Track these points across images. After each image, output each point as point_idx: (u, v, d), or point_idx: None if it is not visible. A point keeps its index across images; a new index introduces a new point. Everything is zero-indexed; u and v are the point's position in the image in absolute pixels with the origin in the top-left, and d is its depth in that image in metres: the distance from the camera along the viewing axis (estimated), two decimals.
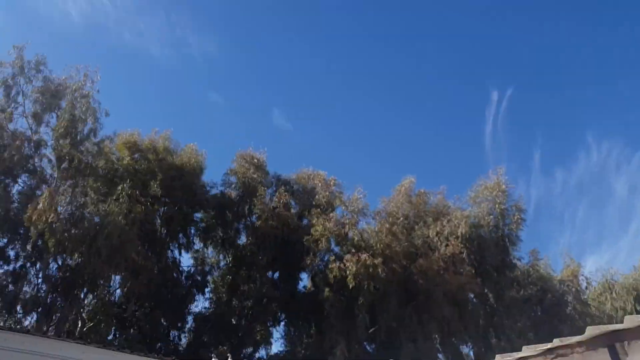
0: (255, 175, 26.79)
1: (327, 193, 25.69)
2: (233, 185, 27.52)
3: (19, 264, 22.29)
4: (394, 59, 62.38)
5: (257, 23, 63.38)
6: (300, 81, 64.52)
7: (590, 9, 54.93)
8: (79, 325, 21.51)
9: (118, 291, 24.31)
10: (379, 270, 20.66)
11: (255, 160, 27.46)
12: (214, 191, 27.45)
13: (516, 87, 60.70)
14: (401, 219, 25.29)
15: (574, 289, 27.09)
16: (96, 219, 20.75)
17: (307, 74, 64.06)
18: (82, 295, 22.12)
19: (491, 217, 25.87)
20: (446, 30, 60.74)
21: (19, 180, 22.94)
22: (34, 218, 18.38)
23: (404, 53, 61.88)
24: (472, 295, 24.79)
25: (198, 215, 27.47)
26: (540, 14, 58.03)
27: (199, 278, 27.23)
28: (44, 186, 22.02)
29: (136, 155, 25.30)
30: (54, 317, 21.33)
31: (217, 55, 61.53)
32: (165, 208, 26.12)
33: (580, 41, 55.82)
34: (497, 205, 25.88)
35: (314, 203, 25.41)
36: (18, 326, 20.76)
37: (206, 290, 27.17)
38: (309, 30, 63.76)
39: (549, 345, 5.69)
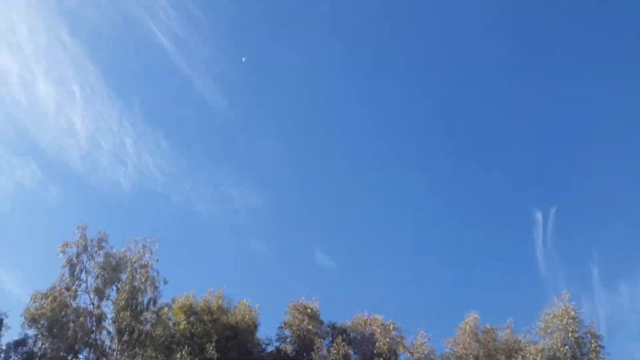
0: (310, 327, 26.14)
1: (388, 339, 24.62)
2: (288, 339, 26.75)
3: None
4: (432, 204, 63.65)
5: (293, 173, 66.82)
6: (340, 219, 65.60)
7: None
8: None
9: None
10: None
11: (309, 310, 26.95)
12: (269, 348, 26.69)
13: (559, 205, 60.09)
14: None
15: None
16: None
17: (345, 212, 65.42)
18: None
19: (566, 347, 24.13)
20: (482, 158, 62.80)
21: (80, 355, 22.92)
22: None
23: (442, 198, 63.31)
24: None
25: None
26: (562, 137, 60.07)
27: None
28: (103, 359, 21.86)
29: (192, 318, 25.21)
30: None
31: (259, 206, 64.00)
32: None
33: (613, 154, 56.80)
34: (570, 334, 24.27)
35: (375, 351, 24.28)
36: None
37: None
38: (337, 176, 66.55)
39: None
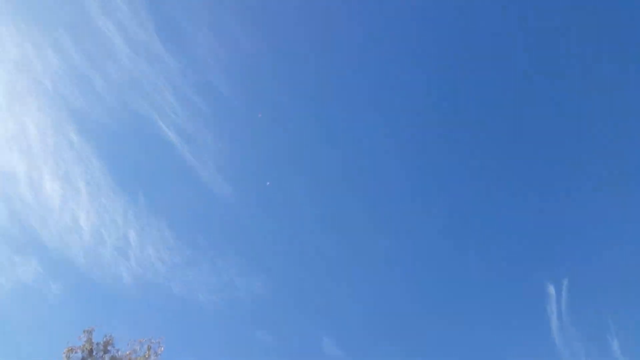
0: None
1: None
2: None
3: None
4: (441, 285, 63.23)
5: (298, 260, 66.81)
6: (347, 306, 64.56)
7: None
8: None
9: None
10: None
11: None
12: None
13: (571, 277, 59.56)
14: None
15: None
16: None
17: (352, 299, 64.54)
18: None
19: None
20: (490, 229, 63.06)
21: None
22: None
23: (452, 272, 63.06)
24: None
25: None
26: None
27: None
28: None
29: None
30: None
31: (264, 294, 63.38)
32: None
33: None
34: None
35: None
36: None
37: None
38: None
39: None
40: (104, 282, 56.59)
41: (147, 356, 23.34)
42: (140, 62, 57.13)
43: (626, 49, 53.91)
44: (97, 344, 23.30)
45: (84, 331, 23.32)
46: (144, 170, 63.31)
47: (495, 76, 60.33)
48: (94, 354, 23.03)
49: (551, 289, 57.33)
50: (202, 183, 61.63)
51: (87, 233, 56.10)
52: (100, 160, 58.19)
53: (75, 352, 22.87)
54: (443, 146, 64.59)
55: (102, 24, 54.74)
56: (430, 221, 64.92)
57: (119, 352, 23.56)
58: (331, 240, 65.28)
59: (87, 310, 57.44)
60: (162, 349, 23.65)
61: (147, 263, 59.24)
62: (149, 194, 61.67)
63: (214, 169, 61.92)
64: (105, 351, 23.28)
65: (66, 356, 22.80)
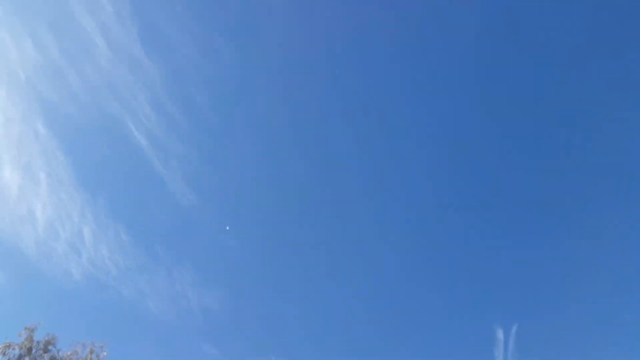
0: None
1: None
2: None
3: None
4: (388, 319, 63.81)
5: (254, 278, 66.26)
6: (296, 329, 64.22)
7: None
8: None
9: None
10: None
11: None
12: None
13: (521, 322, 61.04)
14: None
15: None
16: None
17: (302, 321, 64.20)
18: None
19: None
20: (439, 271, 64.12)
21: None
22: None
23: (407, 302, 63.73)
24: None
25: None
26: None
27: None
28: None
29: None
30: None
31: (215, 308, 62.41)
32: None
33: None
34: None
35: None
36: None
37: None
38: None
39: None
40: (53, 276, 54.80)
41: (88, 359, 22.73)
42: (119, 65, 56.74)
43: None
44: (38, 342, 22.58)
45: (25, 328, 22.57)
46: (108, 170, 62.12)
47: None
48: (32, 352, 22.29)
49: (500, 333, 58.69)
50: (167, 191, 60.87)
51: (41, 226, 54.42)
52: (65, 155, 56.91)
53: (13, 349, 22.08)
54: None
55: (85, 23, 54.24)
56: (385, 254, 65.93)
57: (60, 353, 22.87)
58: (289, 260, 65.29)
59: (32, 303, 55.30)
60: (105, 354, 23.14)
61: (100, 263, 57.71)
62: (110, 194, 60.41)
63: (180, 179, 61.33)
64: (46, 350, 22.56)
65: (2, 352, 21.99)
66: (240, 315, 63.76)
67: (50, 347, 22.69)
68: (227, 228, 58.44)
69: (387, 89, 61.69)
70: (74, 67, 55.92)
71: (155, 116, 58.47)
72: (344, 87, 63.12)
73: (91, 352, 23.07)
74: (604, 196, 59.84)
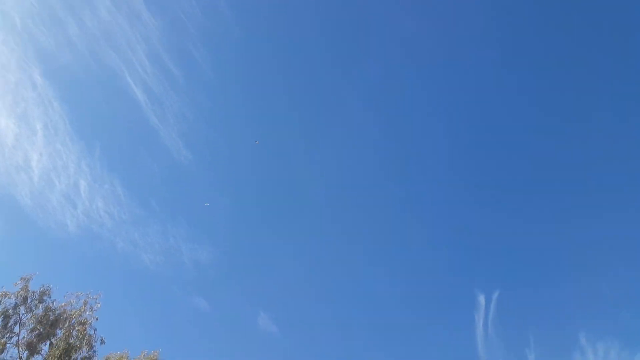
0: None
1: None
2: None
3: None
4: (373, 279, 65.14)
5: (246, 235, 67.16)
6: (288, 287, 65.78)
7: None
8: None
9: None
10: None
11: None
12: None
13: (502, 290, 62.79)
14: None
15: None
16: None
17: (292, 279, 65.74)
18: None
19: None
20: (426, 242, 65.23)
21: None
22: None
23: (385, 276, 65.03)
24: None
25: None
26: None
27: None
28: None
29: None
30: None
31: (207, 262, 63.63)
32: None
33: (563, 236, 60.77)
34: None
35: None
36: None
37: None
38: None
39: None
40: (47, 227, 55.50)
41: (82, 310, 23.48)
42: (119, 16, 55.50)
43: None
44: (33, 292, 23.23)
45: (21, 278, 23.18)
46: (105, 122, 61.95)
47: None
48: (28, 302, 22.98)
49: (482, 299, 60.37)
50: (163, 145, 60.92)
51: (37, 175, 54.65)
52: (62, 105, 56.44)
53: (9, 298, 22.75)
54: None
55: None
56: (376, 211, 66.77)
57: (54, 303, 23.58)
58: (280, 219, 66.15)
59: (25, 252, 56.36)
60: (99, 305, 23.86)
61: (95, 215, 58.32)
62: (106, 147, 60.45)
63: (176, 134, 61.19)
64: (41, 301, 23.24)
65: None
66: (231, 270, 65.09)
67: (45, 298, 23.37)
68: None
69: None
70: (72, 15, 54.63)
71: (153, 70, 57.69)
72: (348, 51, 62.22)
73: (85, 303, 23.78)
74: (586, 176, 60.77)
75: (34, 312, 23.02)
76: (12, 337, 22.60)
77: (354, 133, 64.73)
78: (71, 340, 22.34)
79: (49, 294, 23.51)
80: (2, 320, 22.51)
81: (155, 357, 26.50)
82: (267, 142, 63.01)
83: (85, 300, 23.87)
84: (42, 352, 22.90)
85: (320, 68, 63.63)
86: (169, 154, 61.56)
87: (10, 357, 22.64)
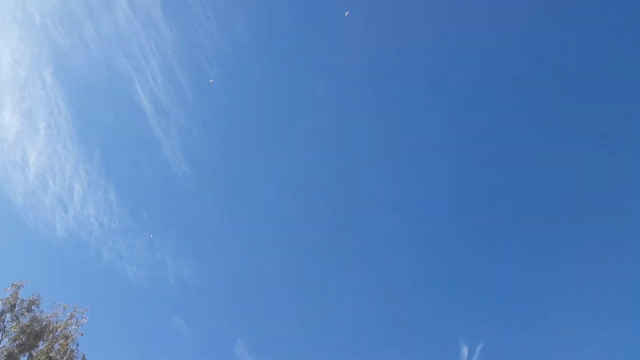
0: None
1: None
2: None
3: None
4: (357, 320, 64.92)
5: (234, 257, 66.86)
6: (269, 316, 65.21)
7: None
8: None
9: None
10: None
11: None
12: None
13: (487, 342, 62.75)
14: None
15: None
16: None
17: (273, 309, 65.26)
18: None
19: None
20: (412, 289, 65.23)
21: None
22: None
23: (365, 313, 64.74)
24: None
25: None
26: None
27: None
28: None
29: None
30: None
31: (192, 281, 63.06)
32: None
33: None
34: None
35: None
36: None
37: None
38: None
39: None
40: (36, 227, 54.96)
41: (67, 324, 23.20)
42: (136, 23, 56.23)
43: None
44: (22, 300, 22.99)
45: (12, 284, 22.97)
46: (108, 128, 62.02)
47: None
48: (15, 310, 22.72)
49: (465, 350, 60.29)
50: (163, 158, 61.01)
51: (32, 174, 54.40)
52: (68, 106, 56.64)
53: None
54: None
55: None
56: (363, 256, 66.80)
57: (42, 314, 23.30)
58: (271, 252, 65.91)
59: (11, 251, 55.70)
60: (86, 320, 23.59)
61: (85, 221, 57.90)
62: (106, 153, 60.43)
63: (178, 147, 61.42)
64: (29, 310, 22.99)
65: None
66: (214, 293, 64.47)
67: (33, 307, 23.12)
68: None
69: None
70: (90, 17, 55.33)
71: (163, 81, 58.25)
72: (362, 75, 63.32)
73: (71, 316, 23.53)
74: (565, 221, 61.28)
75: (19, 321, 22.73)
76: None
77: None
78: (52, 354, 22.01)
79: (37, 304, 23.29)
80: None
81: None
82: (273, 171, 63.32)
83: (72, 314, 23.65)
84: None
85: (331, 98, 64.34)
86: (168, 167, 61.60)
87: None
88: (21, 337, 22.41)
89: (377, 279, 65.98)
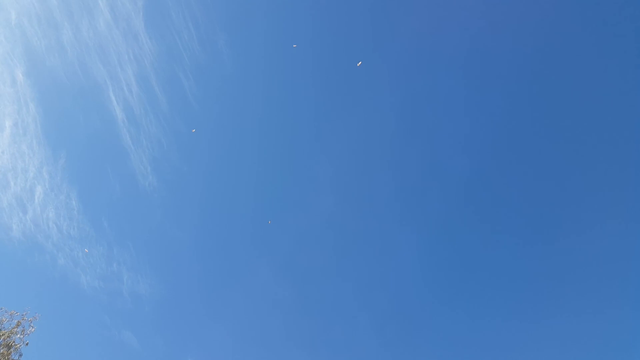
0: None
1: None
2: None
3: None
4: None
5: (193, 274, 65.61)
6: (222, 336, 63.86)
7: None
8: None
9: None
10: None
11: None
12: None
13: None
14: None
15: None
16: None
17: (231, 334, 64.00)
18: None
19: None
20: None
21: None
22: None
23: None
24: None
25: None
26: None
27: None
28: None
29: None
30: None
31: (146, 296, 61.37)
32: None
33: None
34: None
35: None
36: None
37: None
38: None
39: None
40: None
41: (13, 332, 22.22)
42: (116, 31, 55.96)
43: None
44: None
45: None
46: (77, 133, 60.72)
47: None
48: None
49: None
50: (130, 167, 59.97)
51: None
52: (37, 107, 55.40)
53: None
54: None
55: None
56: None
57: None
58: (231, 273, 64.95)
59: None
60: (33, 329, 22.62)
61: (43, 225, 56.09)
62: (72, 157, 59.02)
63: (146, 158, 60.57)
64: None
65: None
66: (167, 311, 62.88)
67: None
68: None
69: None
70: (70, 21, 54.78)
71: (138, 91, 57.75)
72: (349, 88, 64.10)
73: (18, 324, 22.55)
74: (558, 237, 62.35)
75: None
76: None
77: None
78: None
79: None
80: None
81: None
82: (238, 184, 62.87)
83: (18, 322, 22.66)
84: None
85: (308, 121, 64.76)
86: (134, 177, 60.51)
87: None
88: None
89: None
